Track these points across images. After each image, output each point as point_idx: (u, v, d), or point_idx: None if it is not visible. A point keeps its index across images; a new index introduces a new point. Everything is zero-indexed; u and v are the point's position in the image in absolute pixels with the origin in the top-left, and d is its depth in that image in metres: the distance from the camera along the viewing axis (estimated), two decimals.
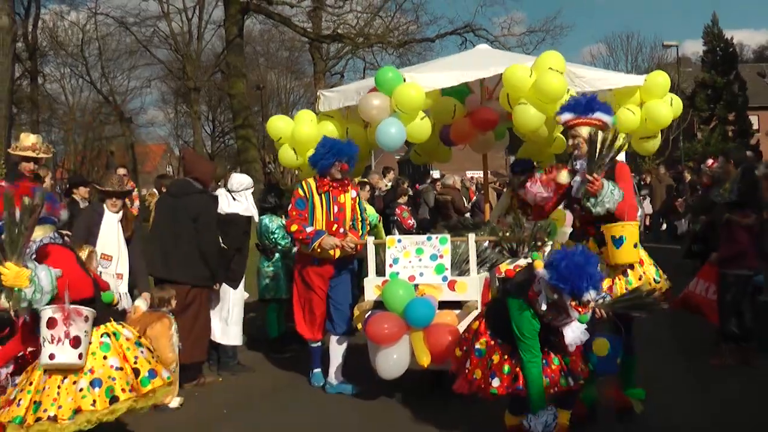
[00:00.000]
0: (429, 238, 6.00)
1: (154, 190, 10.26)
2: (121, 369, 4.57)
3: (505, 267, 5.89)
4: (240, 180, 7.44)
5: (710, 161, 10.53)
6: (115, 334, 4.68)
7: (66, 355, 4.40)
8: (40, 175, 6.18)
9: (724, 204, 7.03)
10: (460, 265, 6.00)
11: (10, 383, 4.94)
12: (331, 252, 6.19)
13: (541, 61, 6.64)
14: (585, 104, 5.13)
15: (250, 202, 7.41)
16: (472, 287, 5.79)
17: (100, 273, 5.93)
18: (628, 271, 5.08)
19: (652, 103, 7.10)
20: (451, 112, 7.78)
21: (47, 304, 4.37)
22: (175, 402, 6.16)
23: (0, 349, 4.82)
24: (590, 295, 4.17)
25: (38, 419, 4.36)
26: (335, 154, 6.22)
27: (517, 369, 4.55)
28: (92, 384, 4.46)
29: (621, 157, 5.43)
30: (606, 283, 4.91)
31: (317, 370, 6.66)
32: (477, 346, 4.73)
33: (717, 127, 41.70)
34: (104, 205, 6.47)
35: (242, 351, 7.64)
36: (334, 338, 6.47)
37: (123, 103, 40.92)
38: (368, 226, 6.52)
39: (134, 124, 42.50)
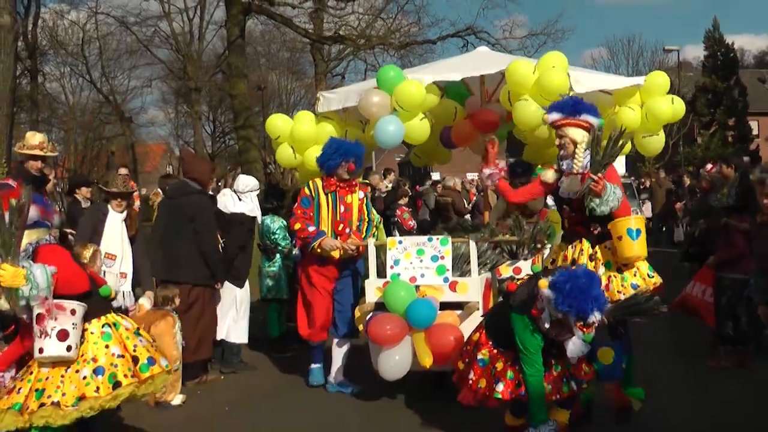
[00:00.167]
0: (430, 240, 6.02)
1: (158, 189, 10.32)
2: (123, 357, 4.65)
3: (505, 269, 5.96)
4: (246, 181, 7.55)
5: (709, 166, 10.59)
6: (115, 324, 4.76)
7: (53, 348, 4.47)
8: (46, 174, 6.22)
9: (721, 208, 7.10)
10: (461, 266, 6.04)
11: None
12: (334, 253, 6.21)
13: (545, 60, 6.71)
14: (572, 105, 5.19)
15: (255, 203, 7.50)
16: (473, 288, 5.82)
17: (104, 272, 6.00)
18: (622, 267, 5.14)
19: (652, 101, 7.12)
20: (452, 114, 7.84)
21: None
22: (177, 399, 6.22)
23: (2, 353, 4.87)
24: (595, 317, 4.20)
25: (42, 405, 4.43)
26: (342, 154, 6.25)
27: (521, 376, 4.58)
28: (95, 372, 4.53)
29: (621, 160, 5.50)
30: (602, 282, 4.97)
31: (316, 366, 6.60)
32: (479, 356, 4.74)
33: (717, 132, 41.77)
34: (108, 205, 6.53)
35: (244, 349, 7.69)
36: (335, 340, 6.51)
37: (123, 102, 40.92)
38: (374, 228, 6.53)
39: (134, 123, 42.50)
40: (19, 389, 4.54)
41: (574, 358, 4.53)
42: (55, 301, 4.47)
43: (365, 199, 6.53)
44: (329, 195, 6.31)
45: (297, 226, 6.27)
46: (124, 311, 5.64)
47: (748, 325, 6.98)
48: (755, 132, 45.40)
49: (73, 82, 40.29)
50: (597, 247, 5.18)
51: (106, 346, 4.64)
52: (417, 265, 5.91)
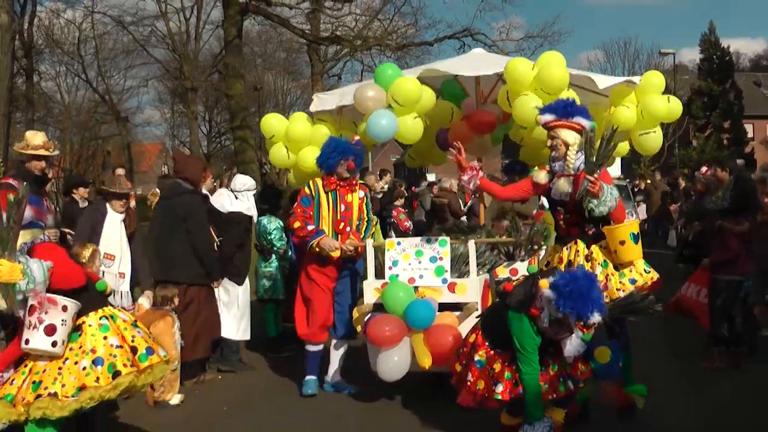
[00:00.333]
0: (428, 241, 6.03)
1: (156, 190, 10.34)
2: (121, 347, 4.67)
3: (502, 270, 5.99)
4: (243, 180, 7.62)
5: (704, 169, 10.68)
6: (112, 317, 4.79)
7: (39, 341, 4.49)
8: (47, 174, 6.23)
9: (716, 211, 7.16)
10: (459, 268, 6.06)
11: None
12: (333, 253, 6.21)
13: (543, 58, 6.77)
14: (564, 107, 5.24)
15: (251, 202, 7.55)
16: (471, 289, 5.83)
17: (103, 272, 6.02)
18: (618, 266, 5.20)
19: (647, 98, 7.16)
20: (449, 115, 7.88)
21: None
22: (175, 399, 6.25)
23: (1, 354, 4.89)
24: (595, 318, 4.25)
25: (38, 396, 4.45)
26: (341, 152, 6.26)
27: (518, 376, 4.61)
28: (95, 362, 4.56)
29: (616, 162, 5.55)
30: (600, 279, 5.03)
31: (311, 378, 6.48)
32: (476, 357, 4.78)
33: (712, 135, 41.96)
34: (107, 205, 6.55)
35: (241, 349, 7.73)
36: (333, 341, 6.51)
37: (119, 102, 40.82)
38: (372, 228, 6.55)
39: (130, 123, 42.45)
40: (13, 381, 4.57)
41: (570, 357, 4.57)
42: (48, 295, 4.50)
43: (365, 198, 6.52)
44: (330, 194, 6.31)
45: (296, 224, 6.26)
46: None
47: (742, 327, 7.06)
48: (750, 135, 45.62)
49: (69, 81, 40.16)
50: (593, 247, 5.23)
51: (104, 338, 4.67)
52: (416, 266, 5.92)
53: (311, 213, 6.28)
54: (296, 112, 8.12)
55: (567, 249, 5.30)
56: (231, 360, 7.43)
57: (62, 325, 4.55)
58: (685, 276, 8.22)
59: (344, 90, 7.97)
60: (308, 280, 6.40)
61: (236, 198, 7.50)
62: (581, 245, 5.25)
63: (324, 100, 7.59)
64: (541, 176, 5.41)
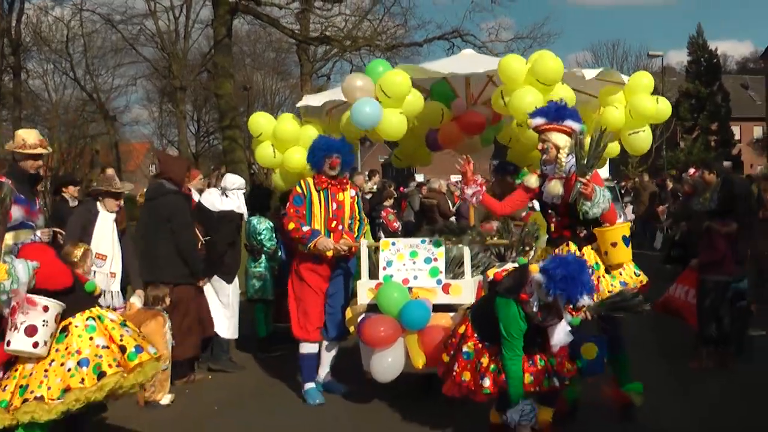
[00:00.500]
0: (423, 241, 6.01)
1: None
2: (107, 347, 4.66)
3: (494, 272, 6.02)
4: (233, 179, 7.61)
5: (692, 170, 10.76)
6: (99, 317, 4.78)
7: (19, 342, 4.49)
8: (40, 173, 6.19)
9: (704, 212, 7.23)
10: (453, 269, 6.07)
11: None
12: (327, 252, 6.20)
13: (535, 54, 6.79)
14: (555, 110, 5.27)
15: (241, 200, 7.56)
16: (466, 290, 5.82)
17: (94, 272, 6.01)
18: (609, 268, 5.25)
19: (636, 98, 7.17)
20: (439, 116, 7.88)
21: None
22: (166, 399, 6.25)
23: None
24: (585, 300, 4.33)
25: (25, 401, 4.44)
26: (325, 149, 6.26)
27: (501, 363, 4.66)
28: (80, 363, 4.55)
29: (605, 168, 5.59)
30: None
31: (311, 386, 6.38)
32: (464, 348, 4.83)
33: (700, 137, 42.29)
34: (98, 205, 6.53)
35: (231, 349, 7.73)
36: (325, 342, 6.47)
37: (107, 101, 40.64)
38: (365, 227, 6.55)
39: (118, 122, 42.27)
40: (5, 387, 4.56)
41: (557, 346, 4.61)
42: (27, 295, 4.49)
43: (357, 197, 6.52)
44: (321, 192, 6.29)
45: (291, 225, 6.20)
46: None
47: (730, 327, 7.12)
48: (737, 137, 46.02)
49: (56, 79, 39.83)
50: (585, 249, 5.27)
51: (90, 338, 4.66)
52: (410, 267, 5.91)
53: (304, 212, 6.26)
54: (285, 112, 8.09)
55: (559, 251, 5.33)
56: (221, 359, 7.44)
57: (43, 325, 4.53)
58: (672, 277, 8.28)
59: (333, 91, 7.98)
60: (300, 282, 6.36)
61: (226, 197, 7.50)
62: (573, 247, 5.29)
63: (312, 99, 7.61)
64: (531, 180, 5.46)
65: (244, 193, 7.76)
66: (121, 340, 4.73)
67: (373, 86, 6.66)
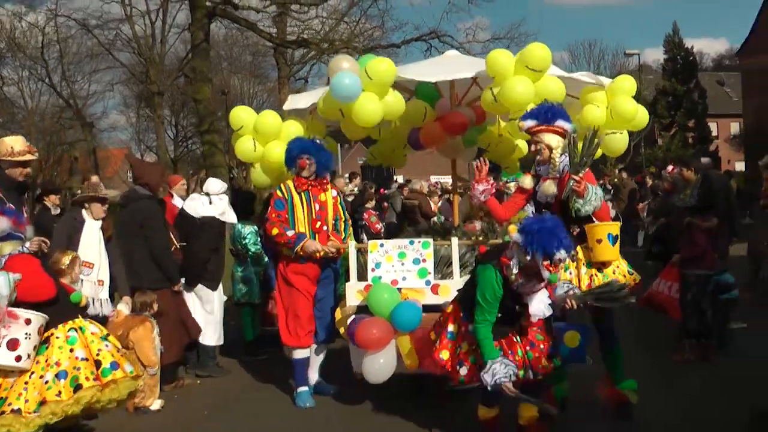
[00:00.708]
0: (411, 242, 6.04)
1: None
2: (87, 360, 4.66)
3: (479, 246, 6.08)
4: (215, 184, 7.57)
5: (671, 167, 10.88)
6: (81, 328, 4.78)
7: (1, 357, 4.50)
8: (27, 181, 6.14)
9: (684, 208, 7.35)
10: (441, 269, 6.10)
11: None
12: (316, 255, 6.19)
13: (522, 51, 6.85)
14: (545, 112, 5.35)
15: (227, 206, 7.52)
16: (455, 290, 5.75)
17: (82, 280, 5.98)
18: (601, 267, 5.30)
19: (617, 100, 7.23)
20: (422, 115, 7.92)
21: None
22: (156, 404, 6.25)
23: None
24: (561, 254, 4.38)
25: (2, 413, 4.43)
26: (298, 150, 6.28)
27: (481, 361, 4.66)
28: (57, 376, 4.55)
29: None
30: (584, 281, 5.16)
31: (303, 390, 6.37)
32: (450, 328, 4.94)
33: (677, 134, 42.65)
34: (84, 213, 6.49)
35: (218, 354, 7.72)
36: (314, 345, 6.46)
37: (84, 107, 40.33)
38: (350, 227, 6.57)
39: (96, 128, 41.96)
40: None
41: (535, 317, 4.67)
42: (9, 309, 4.48)
43: (339, 197, 6.52)
44: (302, 194, 6.28)
45: (275, 231, 6.15)
46: (102, 319, 5.63)
47: (712, 320, 7.24)
48: (714, 133, 46.52)
49: (32, 86, 39.57)
50: (578, 247, 5.33)
51: (71, 350, 4.66)
52: (399, 268, 5.93)
53: (286, 216, 6.23)
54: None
55: None
56: (208, 365, 7.44)
57: (26, 338, 4.52)
58: (654, 273, 8.40)
59: (319, 91, 7.97)
60: (287, 287, 6.30)
61: (210, 202, 7.46)
62: None
63: (296, 99, 7.61)
64: (526, 181, 5.54)
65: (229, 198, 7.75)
66: (97, 355, 4.72)
67: (359, 68, 6.65)
